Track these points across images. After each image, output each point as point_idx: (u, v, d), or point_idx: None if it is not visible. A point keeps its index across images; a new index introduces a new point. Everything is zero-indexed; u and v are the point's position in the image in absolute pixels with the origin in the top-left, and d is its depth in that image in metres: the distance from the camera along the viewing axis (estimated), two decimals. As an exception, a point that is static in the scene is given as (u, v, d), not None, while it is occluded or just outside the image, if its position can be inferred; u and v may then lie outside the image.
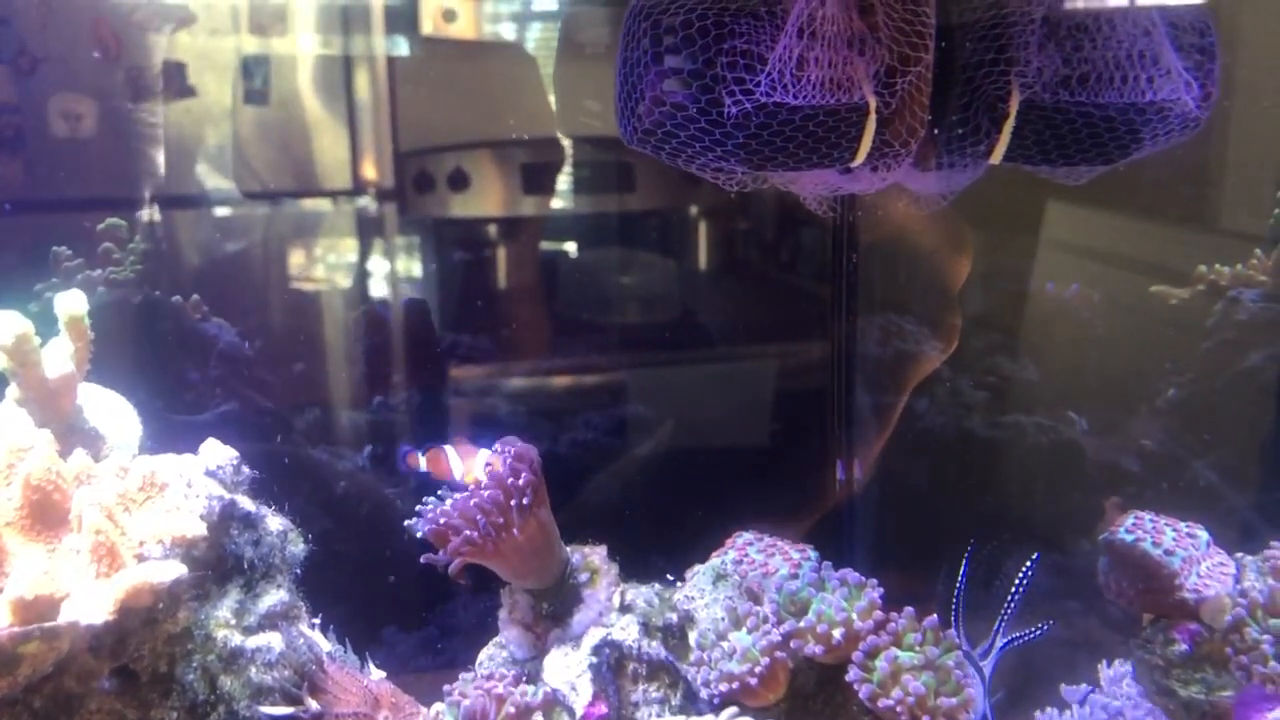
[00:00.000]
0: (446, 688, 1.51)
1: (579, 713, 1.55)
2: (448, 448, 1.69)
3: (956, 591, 1.84)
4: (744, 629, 1.52)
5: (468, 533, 1.56)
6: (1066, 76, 1.57)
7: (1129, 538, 1.73)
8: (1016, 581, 1.85)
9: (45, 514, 1.44)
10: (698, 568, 1.84)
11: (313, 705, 1.60)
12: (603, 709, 1.54)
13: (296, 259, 2.61)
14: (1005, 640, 1.87)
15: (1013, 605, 1.85)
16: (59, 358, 1.58)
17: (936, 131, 1.64)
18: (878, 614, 1.48)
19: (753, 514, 1.97)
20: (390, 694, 1.69)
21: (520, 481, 1.59)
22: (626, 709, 1.58)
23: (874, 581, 1.54)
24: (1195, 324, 2.51)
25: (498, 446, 1.67)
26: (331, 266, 2.64)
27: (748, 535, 1.87)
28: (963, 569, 1.86)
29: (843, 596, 1.50)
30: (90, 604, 1.32)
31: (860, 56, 1.52)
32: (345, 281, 2.64)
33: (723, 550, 1.86)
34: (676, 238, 2.77)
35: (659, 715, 1.56)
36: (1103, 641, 2.15)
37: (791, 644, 1.47)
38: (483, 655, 1.78)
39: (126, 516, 1.47)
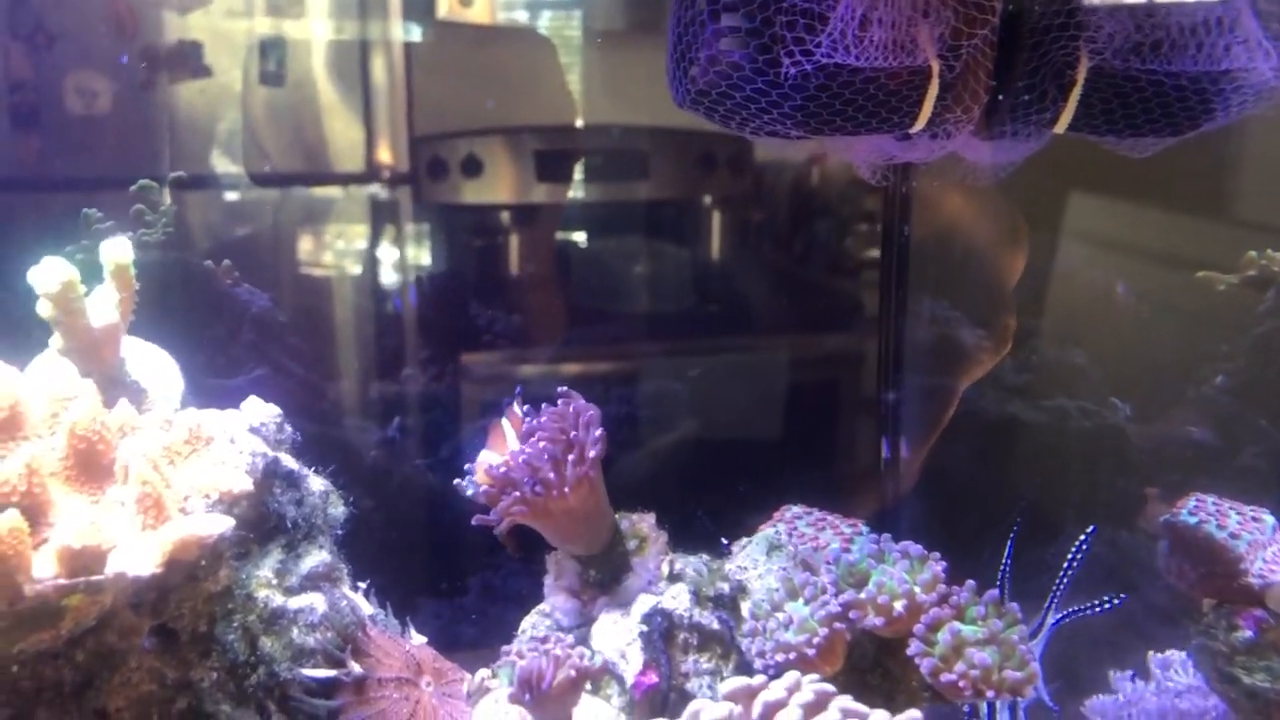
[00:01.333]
0: (505, 648, 1.48)
1: (629, 681, 1.51)
2: (505, 421, 1.65)
3: (1001, 571, 1.80)
4: (800, 599, 1.48)
5: (518, 493, 1.52)
6: (1139, 43, 1.51)
7: (1192, 520, 1.69)
8: (1070, 556, 1.81)
9: (89, 465, 1.41)
10: (745, 540, 1.80)
11: (355, 669, 1.57)
12: (653, 678, 1.51)
13: (312, 242, 2.59)
14: (1059, 616, 1.84)
15: (1065, 581, 1.82)
16: (104, 307, 1.55)
17: (1000, 98, 1.59)
18: (941, 587, 1.44)
19: (794, 496, 1.94)
20: (432, 659, 1.66)
21: (580, 437, 1.56)
22: (677, 679, 1.54)
23: (936, 555, 1.50)
24: (1244, 310, 2.46)
25: (561, 393, 1.64)
26: (348, 250, 2.61)
27: (796, 509, 1.83)
28: (1008, 548, 1.82)
29: (904, 569, 1.46)
30: (137, 556, 1.29)
31: (924, 18, 1.47)
32: (364, 263, 2.62)
33: (771, 523, 1.82)
34: (692, 225, 2.74)
35: (711, 686, 1.52)
36: (1151, 629, 2.12)
37: (850, 615, 1.43)
38: (526, 623, 1.74)
39: (171, 469, 1.44)
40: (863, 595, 1.43)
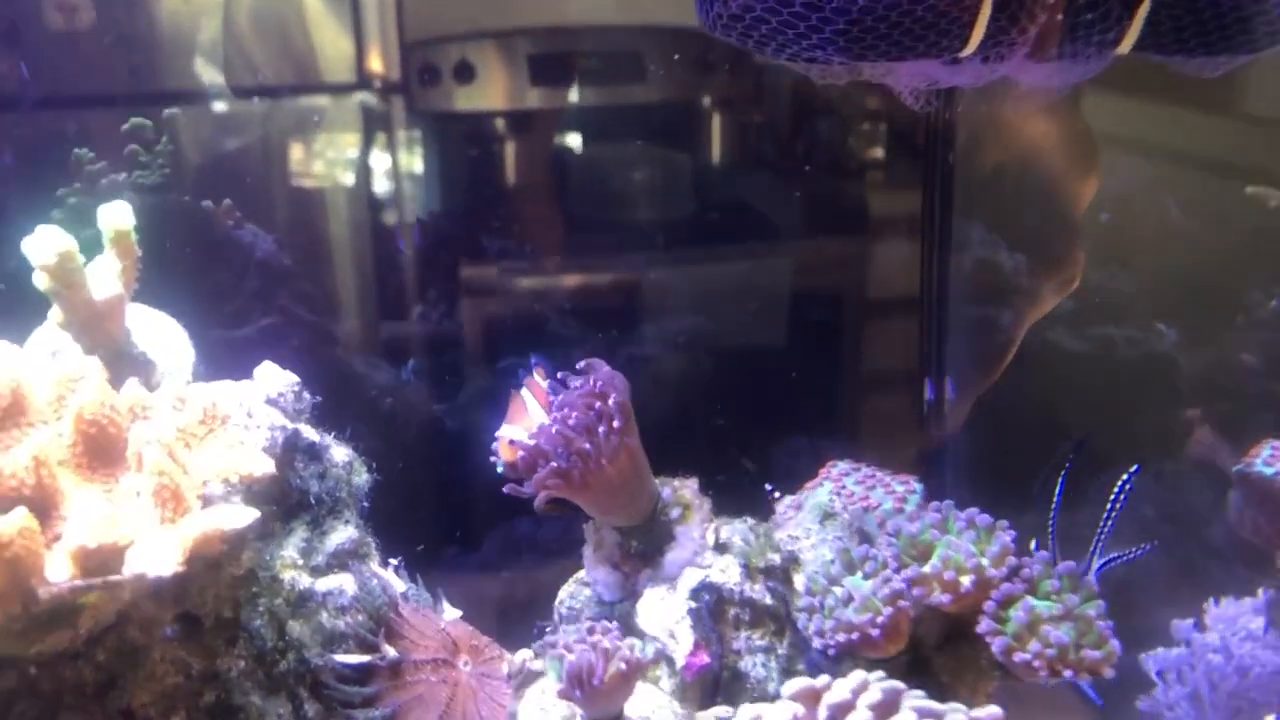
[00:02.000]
0: (549, 639, 1.40)
1: (679, 662, 1.43)
2: (525, 391, 1.55)
3: (1052, 511, 1.71)
4: (859, 574, 1.40)
5: (554, 464, 1.43)
6: (1215, -49, 1.41)
7: (1268, 470, 1.59)
8: (1113, 497, 1.72)
9: (100, 451, 1.32)
10: (789, 500, 1.72)
11: (390, 652, 1.49)
12: (705, 659, 1.43)
13: (303, 156, 2.48)
14: (1102, 561, 1.75)
15: (1109, 523, 1.73)
16: (106, 278, 1.45)
17: (1060, 17, 1.48)
18: (1011, 559, 1.35)
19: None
20: (468, 636, 1.59)
21: (608, 405, 1.46)
22: (728, 656, 1.46)
23: (1005, 523, 1.41)
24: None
25: (581, 367, 1.54)
26: (341, 163, 2.50)
27: (843, 465, 1.75)
28: (1059, 487, 1.73)
29: (971, 540, 1.37)
30: (157, 554, 1.21)
31: (978, -72, 1.37)
32: (358, 175, 2.50)
33: (817, 481, 1.74)
34: (691, 128, 2.62)
35: (764, 664, 1.45)
36: (1206, 571, 2.04)
37: (915, 592, 1.35)
38: (563, 593, 1.66)
39: (187, 453, 1.35)
40: (928, 570, 1.35)
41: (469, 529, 2.52)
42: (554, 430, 1.44)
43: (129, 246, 1.46)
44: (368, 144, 2.47)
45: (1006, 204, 2.42)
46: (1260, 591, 1.70)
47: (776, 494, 1.86)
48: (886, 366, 2.67)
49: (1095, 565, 1.74)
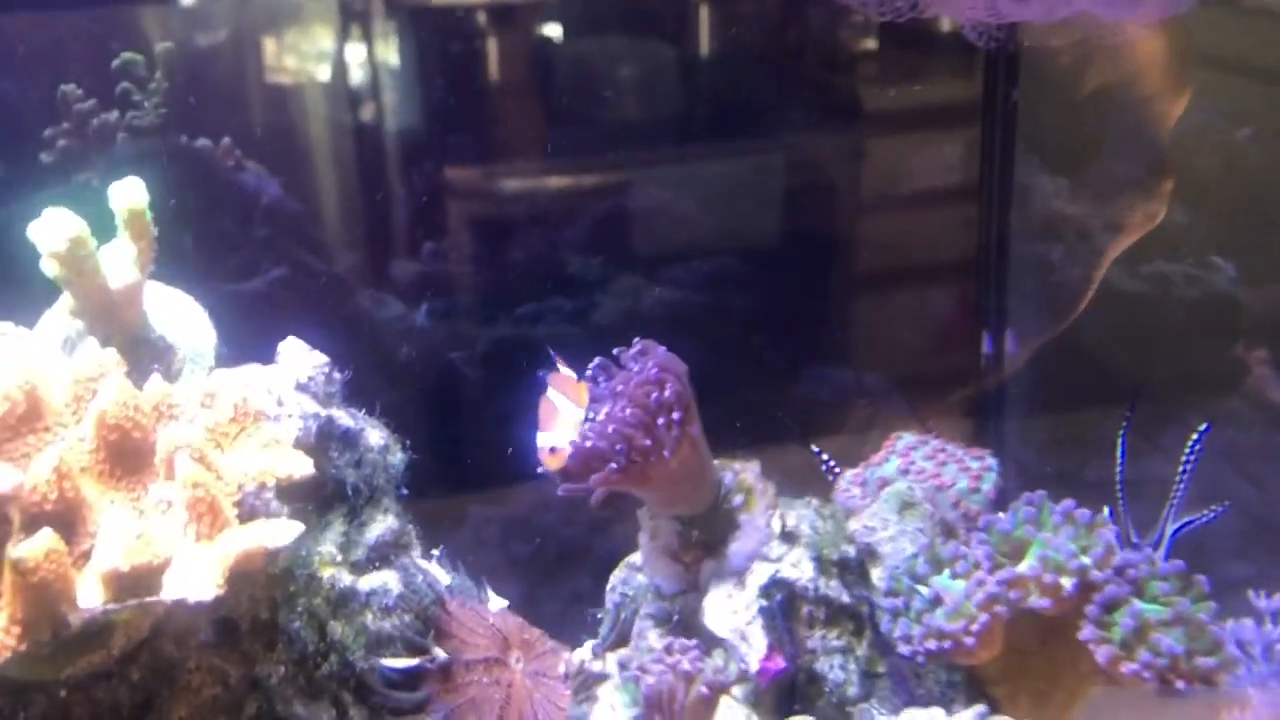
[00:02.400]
0: (621, 658, 1.30)
1: (753, 667, 1.34)
2: (550, 391, 1.40)
3: (1118, 471, 1.61)
4: (948, 572, 1.30)
5: (613, 464, 1.32)
6: None
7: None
8: (1184, 458, 1.63)
9: (125, 456, 1.22)
10: (850, 475, 1.62)
11: (439, 654, 1.40)
12: (780, 663, 1.33)
13: (275, 53, 2.33)
14: (1177, 527, 1.67)
15: (1182, 486, 1.64)
16: (122, 264, 1.32)
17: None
18: (1115, 559, 1.25)
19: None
20: (518, 629, 1.50)
21: (667, 395, 1.34)
22: (802, 656, 1.37)
23: (1105, 516, 1.31)
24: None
25: (636, 350, 1.41)
26: (316, 57, 2.35)
27: (909, 438, 1.64)
28: (1120, 446, 1.63)
29: (1069, 537, 1.27)
30: (196, 577, 1.10)
31: None
32: (335, 71, 2.34)
33: (882, 456, 1.63)
34: (679, 18, 2.47)
35: (842, 666, 1.36)
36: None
37: (1010, 595, 1.25)
38: (614, 579, 1.56)
39: (219, 456, 1.24)
40: (1024, 570, 1.24)
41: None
42: (610, 429, 1.32)
43: (144, 227, 1.33)
44: (344, 41, 2.32)
45: (1087, 133, 2.24)
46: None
47: (830, 462, 1.76)
48: (928, 283, 2.55)
49: (1169, 531, 1.65)
